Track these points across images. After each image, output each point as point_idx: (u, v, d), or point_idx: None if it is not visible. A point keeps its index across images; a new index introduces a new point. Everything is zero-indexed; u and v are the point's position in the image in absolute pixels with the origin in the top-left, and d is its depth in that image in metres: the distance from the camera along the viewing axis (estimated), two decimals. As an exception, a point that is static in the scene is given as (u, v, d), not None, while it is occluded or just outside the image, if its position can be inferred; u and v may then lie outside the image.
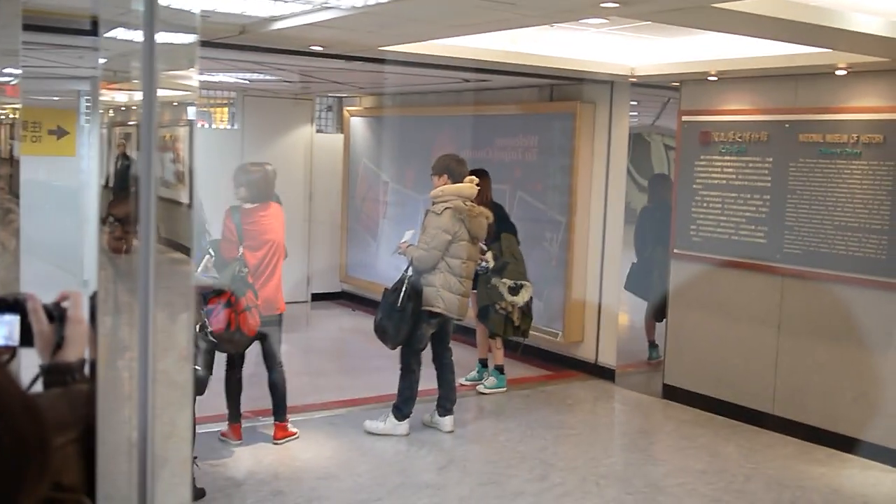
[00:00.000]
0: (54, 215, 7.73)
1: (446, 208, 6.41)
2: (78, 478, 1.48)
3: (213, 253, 6.00)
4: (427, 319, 6.43)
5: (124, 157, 1.94)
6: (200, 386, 5.60)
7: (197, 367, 5.47)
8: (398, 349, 6.54)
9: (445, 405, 6.75)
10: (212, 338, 5.74)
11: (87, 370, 1.67)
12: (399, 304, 6.30)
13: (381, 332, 6.43)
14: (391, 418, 6.54)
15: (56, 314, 1.64)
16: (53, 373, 1.58)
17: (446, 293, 6.40)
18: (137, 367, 1.71)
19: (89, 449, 1.50)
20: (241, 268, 5.93)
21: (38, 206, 8.10)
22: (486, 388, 7.72)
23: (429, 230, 6.41)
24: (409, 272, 6.42)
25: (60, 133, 7.66)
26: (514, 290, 7.36)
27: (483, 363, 7.95)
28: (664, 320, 7.98)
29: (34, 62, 7.05)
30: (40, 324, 1.60)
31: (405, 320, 6.30)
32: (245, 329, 5.88)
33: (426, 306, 6.38)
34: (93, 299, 1.68)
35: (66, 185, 7.85)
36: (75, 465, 1.48)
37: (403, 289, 6.34)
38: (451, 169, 6.54)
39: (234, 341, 5.93)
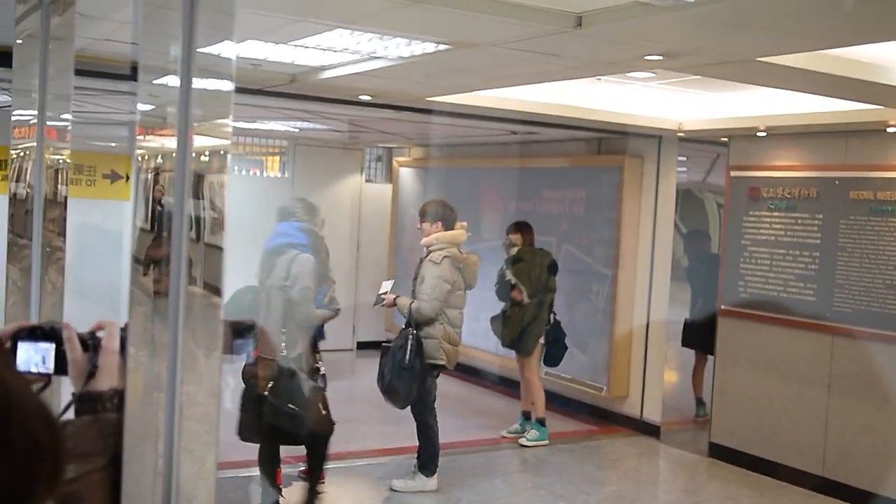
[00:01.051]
0: (105, 257, 7.87)
1: (445, 257, 6.23)
2: None
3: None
4: (430, 372, 6.24)
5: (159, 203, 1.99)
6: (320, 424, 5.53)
7: (292, 405, 5.42)
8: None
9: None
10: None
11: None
12: (407, 362, 6.06)
13: (391, 393, 6.17)
14: (420, 476, 6.39)
15: (91, 343, 1.67)
16: (85, 401, 1.60)
17: (447, 345, 6.24)
18: (165, 401, 1.73)
19: (116, 478, 1.51)
20: None
21: (90, 249, 8.26)
22: (528, 440, 7.64)
23: (429, 280, 6.19)
24: (411, 327, 6.18)
25: (114, 177, 7.85)
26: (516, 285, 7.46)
27: (526, 415, 7.87)
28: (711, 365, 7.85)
29: (91, 108, 7.24)
30: (74, 352, 1.63)
31: (415, 377, 6.06)
32: None
33: (429, 360, 6.17)
34: (123, 331, 1.71)
35: (118, 228, 8.02)
36: (101, 494, 1.49)
37: (409, 345, 6.09)
38: (446, 216, 6.38)
39: None
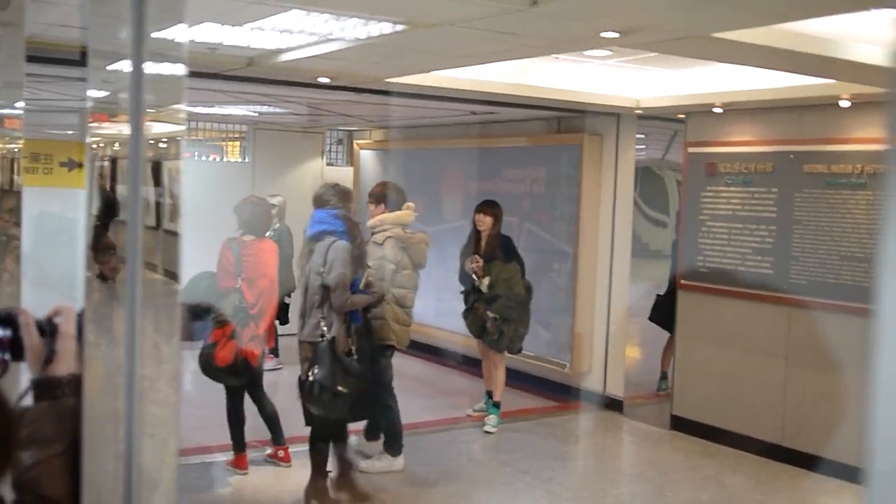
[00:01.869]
0: (64, 246, 7.79)
1: (388, 237, 6.25)
2: (63, 491, 1.50)
3: None
4: (383, 352, 6.26)
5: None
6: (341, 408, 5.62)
7: (340, 387, 5.51)
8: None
9: (375, 432, 6.65)
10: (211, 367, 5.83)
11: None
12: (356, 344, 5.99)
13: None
14: (386, 456, 6.42)
15: (48, 329, 1.67)
16: (44, 387, 1.60)
17: (396, 325, 6.23)
18: (124, 387, 1.74)
19: (75, 463, 1.52)
20: (240, 300, 5.99)
21: (49, 237, 8.16)
22: (491, 427, 7.56)
23: (371, 262, 6.17)
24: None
25: (71, 165, 7.75)
26: (498, 321, 7.30)
27: (490, 394, 7.89)
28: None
29: (47, 95, 7.14)
30: (31, 338, 1.62)
31: (364, 358, 6.00)
32: (251, 361, 5.94)
33: (378, 341, 6.19)
34: (80, 317, 1.70)
35: (77, 216, 7.95)
36: (61, 479, 1.50)
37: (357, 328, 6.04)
38: (390, 198, 6.39)
39: (238, 374, 5.97)
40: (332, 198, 5.81)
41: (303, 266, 5.79)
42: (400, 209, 6.39)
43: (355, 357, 5.74)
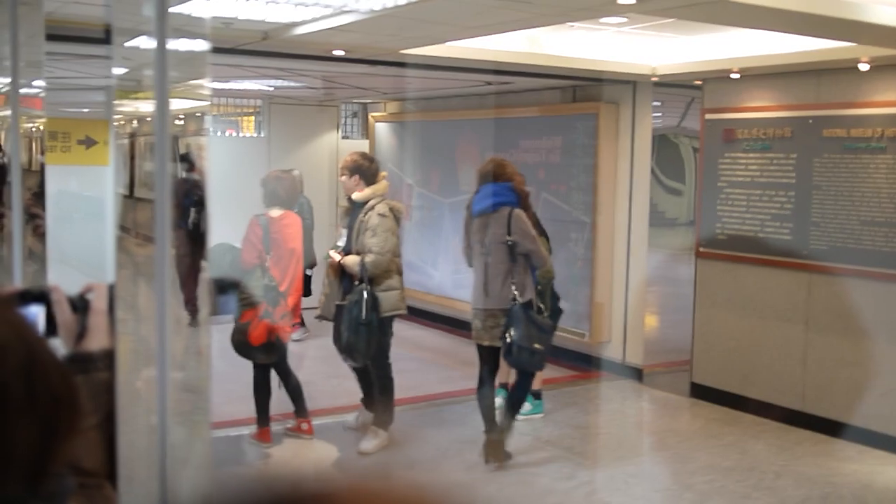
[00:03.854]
0: (85, 224, 7.84)
1: (389, 208, 6.16)
2: (99, 462, 1.53)
3: None
4: (390, 324, 6.21)
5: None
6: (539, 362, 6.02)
7: (537, 345, 5.81)
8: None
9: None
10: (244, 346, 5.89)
11: None
12: (364, 317, 5.94)
13: (350, 350, 6.05)
14: (380, 431, 6.31)
15: (80, 305, 1.70)
16: (76, 362, 1.62)
17: (403, 293, 6.26)
18: (155, 363, 1.76)
19: (110, 435, 1.55)
20: (270, 279, 5.99)
21: (69, 216, 8.21)
22: (522, 413, 7.36)
23: (380, 233, 6.02)
24: (364, 283, 6.02)
25: (89, 143, 7.78)
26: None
27: (536, 395, 7.20)
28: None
29: (64, 73, 7.17)
30: (63, 314, 1.65)
31: (373, 332, 5.98)
32: (283, 338, 5.99)
33: (392, 312, 6.12)
34: (111, 290, 1.73)
35: (97, 194, 7.99)
36: (97, 451, 1.53)
37: (364, 300, 5.98)
38: (364, 168, 6.21)
39: (271, 351, 6.01)
40: (497, 170, 6.08)
41: (481, 239, 5.95)
42: (374, 180, 6.24)
43: (546, 314, 6.13)
